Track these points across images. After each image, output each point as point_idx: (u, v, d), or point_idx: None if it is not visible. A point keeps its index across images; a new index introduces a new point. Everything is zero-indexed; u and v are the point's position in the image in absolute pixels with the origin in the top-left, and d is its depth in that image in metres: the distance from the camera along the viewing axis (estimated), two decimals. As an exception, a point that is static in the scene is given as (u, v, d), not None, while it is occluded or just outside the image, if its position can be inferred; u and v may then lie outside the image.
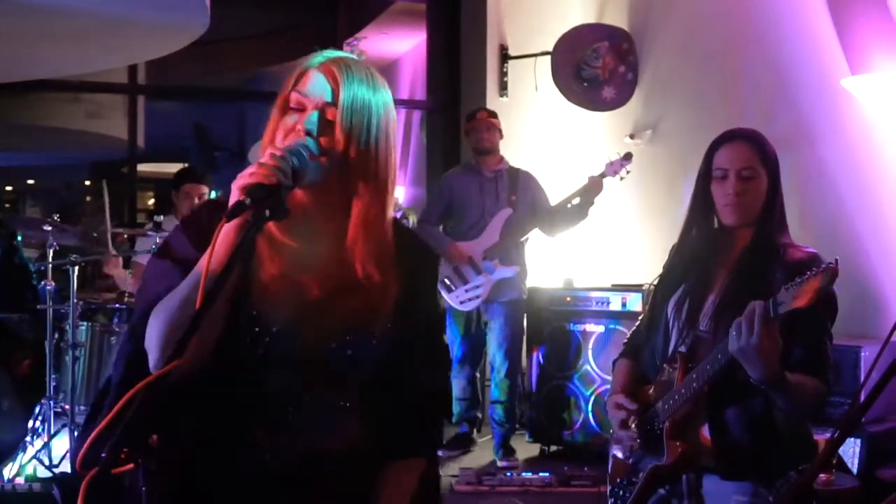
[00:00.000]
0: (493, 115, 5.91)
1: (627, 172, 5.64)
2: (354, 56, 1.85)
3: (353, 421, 1.84)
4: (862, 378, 4.07)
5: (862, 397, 1.92)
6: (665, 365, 2.66)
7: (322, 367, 1.79)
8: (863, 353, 4.15)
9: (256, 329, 1.77)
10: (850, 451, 4.04)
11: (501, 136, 5.87)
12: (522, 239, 5.79)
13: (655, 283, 2.87)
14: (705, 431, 2.56)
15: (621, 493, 2.79)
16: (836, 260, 2.18)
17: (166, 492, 1.72)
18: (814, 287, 2.17)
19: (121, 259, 5.51)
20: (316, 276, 1.80)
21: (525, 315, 5.91)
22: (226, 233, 1.64)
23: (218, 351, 1.74)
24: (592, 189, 5.60)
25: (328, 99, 1.75)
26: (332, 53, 1.81)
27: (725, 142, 2.65)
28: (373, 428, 1.86)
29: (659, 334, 2.73)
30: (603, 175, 5.61)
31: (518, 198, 5.74)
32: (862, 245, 4.83)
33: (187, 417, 1.77)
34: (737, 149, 2.62)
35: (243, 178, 1.62)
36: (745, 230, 2.64)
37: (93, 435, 1.45)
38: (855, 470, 4.01)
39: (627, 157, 5.63)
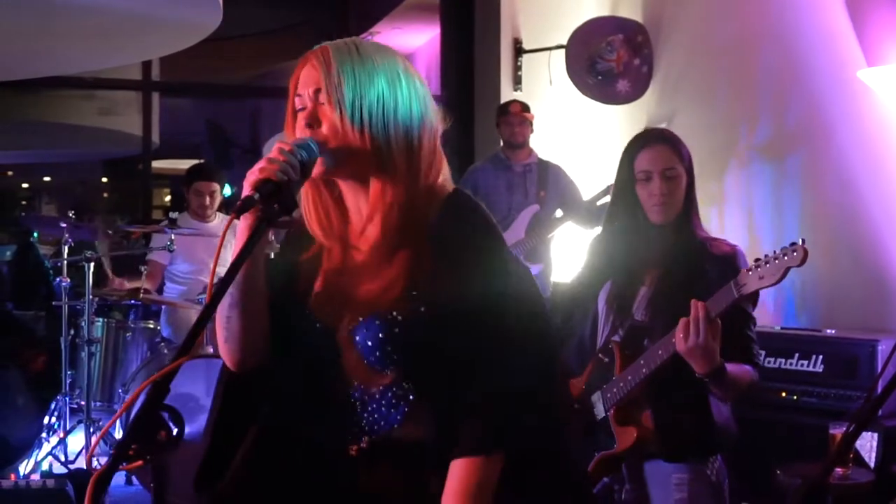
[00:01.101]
0: (527, 108, 5.84)
1: None
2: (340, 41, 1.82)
3: (416, 414, 1.77)
4: (878, 371, 4.04)
5: (878, 390, 1.92)
6: (600, 355, 2.79)
7: (362, 353, 1.77)
8: (879, 347, 4.11)
9: (304, 325, 1.81)
10: (867, 445, 4.01)
11: (532, 131, 5.83)
12: (549, 236, 5.71)
13: (575, 279, 3.02)
14: (647, 418, 2.70)
15: None
16: (803, 240, 2.40)
17: (225, 486, 1.77)
18: (786, 266, 2.40)
19: (124, 280, 5.55)
20: (355, 264, 1.82)
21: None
22: (239, 229, 1.67)
23: (282, 348, 1.79)
24: None
25: (315, 88, 1.75)
26: (318, 45, 1.80)
27: (645, 145, 2.79)
28: (443, 418, 1.74)
29: (587, 326, 2.87)
30: None
31: (547, 194, 5.67)
32: (879, 238, 4.79)
33: (258, 415, 1.82)
34: (658, 151, 2.77)
35: (252, 174, 1.63)
36: (666, 225, 2.78)
37: (98, 436, 1.46)
38: (872, 464, 3.99)
39: None
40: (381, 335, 1.75)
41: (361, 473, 1.80)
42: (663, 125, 6.46)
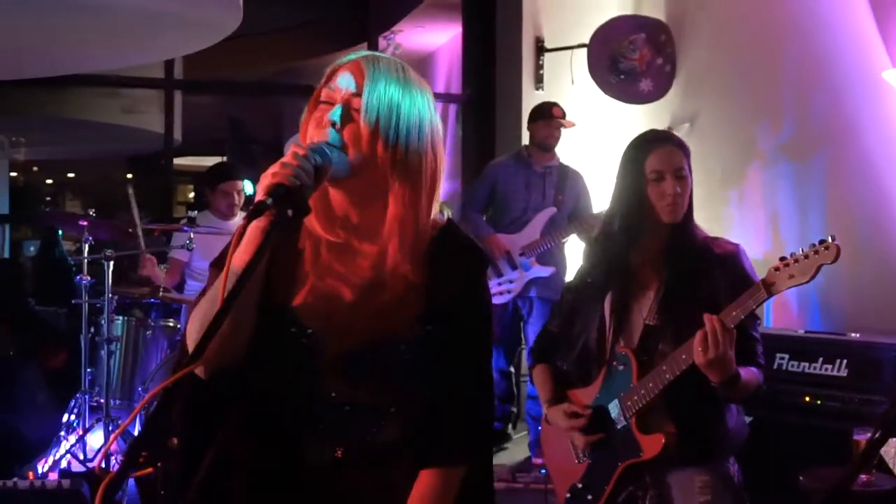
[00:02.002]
0: (565, 114, 5.81)
1: None
2: (388, 54, 1.83)
3: (392, 425, 1.82)
4: (904, 377, 3.98)
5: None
6: (614, 363, 2.79)
7: (356, 368, 1.78)
8: (906, 351, 4.06)
9: (293, 330, 1.79)
10: (891, 451, 3.96)
11: (560, 136, 5.80)
12: (563, 240, 5.69)
13: (575, 283, 3.00)
14: (669, 423, 2.72)
15: (580, 497, 2.85)
16: (834, 237, 2.41)
17: (205, 490, 1.73)
18: (818, 263, 2.40)
19: (155, 259, 5.53)
20: (351, 275, 1.80)
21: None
22: (250, 233, 1.64)
23: (259, 352, 1.77)
24: None
25: (354, 91, 1.74)
26: (363, 52, 1.81)
27: (655, 146, 2.80)
28: (413, 432, 1.82)
29: (592, 332, 2.85)
30: None
31: (564, 198, 5.66)
32: (904, 240, 4.74)
33: (228, 418, 1.79)
34: (669, 151, 2.79)
35: (266, 178, 1.62)
36: (674, 225, 2.78)
37: (111, 438, 1.45)
38: (896, 471, 3.94)
39: None
40: (386, 353, 1.78)
41: (334, 481, 1.81)
42: (686, 125, 6.43)
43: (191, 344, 1.74)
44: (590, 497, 2.82)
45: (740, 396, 2.66)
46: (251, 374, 1.78)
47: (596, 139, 6.86)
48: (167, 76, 8.11)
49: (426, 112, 1.79)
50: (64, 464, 4.99)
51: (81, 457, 5.07)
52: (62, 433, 5.26)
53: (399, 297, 1.77)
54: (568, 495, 2.90)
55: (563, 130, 5.73)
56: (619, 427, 2.75)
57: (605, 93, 6.66)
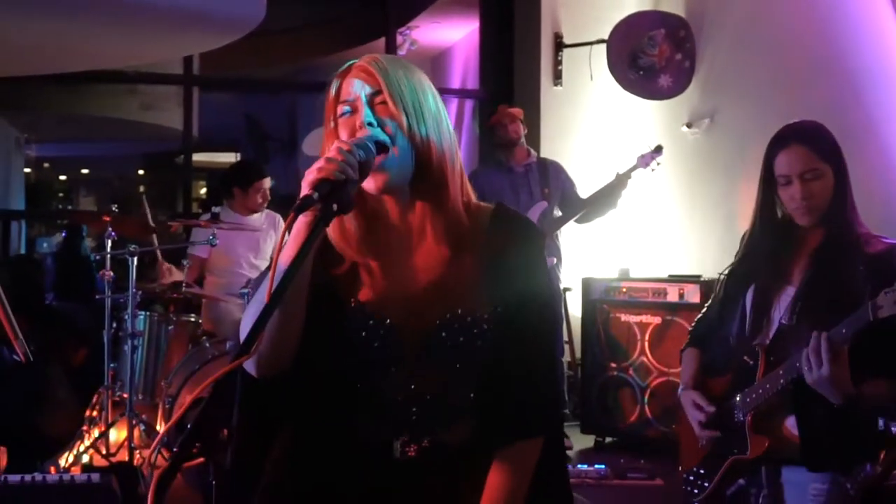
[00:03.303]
0: (512, 106, 5.93)
1: (658, 164, 5.69)
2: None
3: (470, 418, 1.81)
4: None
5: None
6: (745, 357, 2.70)
7: (437, 354, 1.78)
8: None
9: (371, 322, 1.79)
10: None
11: (525, 128, 5.91)
12: (557, 231, 5.79)
13: (727, 272, 2.88)
14: (789, 424, 2.61)
15: (697, 480, 2.82)
16: None
17: (274, 490, 1.77)
18: None
19: (172, 267, 5.57)
20: (413, 268, 1.82)
21: (580, 304, 5.90)
22: (297, 228, 1.66)
23: (331, 349, 1.78)
24: (620, 185, 5.64)
25: (373, 90, 1.76)
26: (354, 60, 1.82)
27: (782, 147, 2.66)
28: (487, 418, 1.81)
29: (734, 324, 2.76)
30: (634, 167, 5.65)
31: (550, 190, 5.77)
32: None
33: (297, 415, 1.81)
34: (794, 153, 2.63)
35: (311, 174, 1.63)
36: (813, 225, 2.66)
37: (165, 428, 1.46)
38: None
39: (658, 149, 5.68)
40: (468, 335, 1.77)
41: (406, 476, 1.80)
42: (706, 120, 6.43)
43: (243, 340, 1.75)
44: (703, 483, 2.81)
45: (870, 410, 2.55)
46: (315, 373, 1.79)
47: (615, 135, 6.86)
48: (186, 72, 8.12)
49: (436, 97, 1.82)
50: (86, 458, 5.01)
51: (104, 451, 5.10)
52: (84, 427, 5.29)
53: (467, 278, 1.78)
54: (686, 476, 2.89)
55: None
56: (737, 421, 2.70)
57: (625, 88, 6.65)
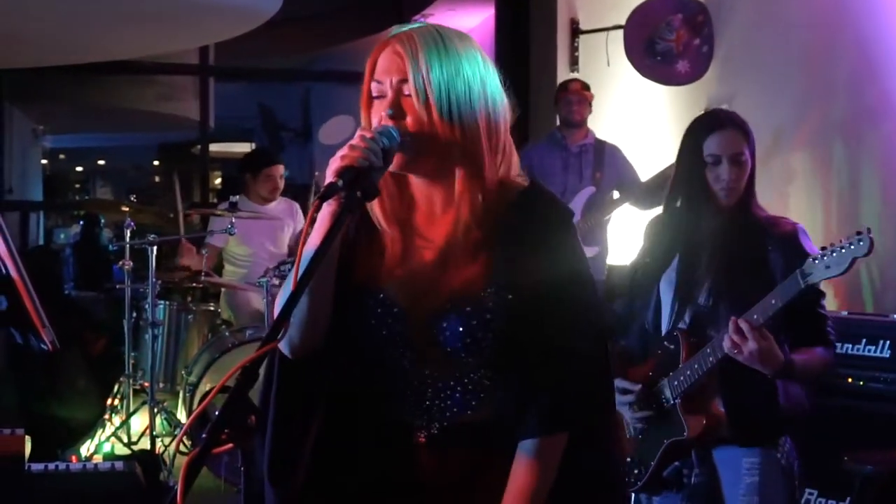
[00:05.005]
0: (587, 87, 5.79)
1: None
2: (421, 25, 1.81)
3: (487, 403, 1.79)
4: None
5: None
6: (666, 342, 2.80)
7: (448, 338, 1.76)
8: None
9: (379, 310, 1.79)
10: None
11: (591, 111, 5.77)
12: (605, 218, 5.64)
13: (636, 262, 3.03)
14: (717, 404, 2.72)
15: (633, 469, 2.90)
16: (869, 229, 2.41)
17: (298, 477, 1.78)
18: (852, 256, 2.39)
19: (194, 248, 5.58)
20: (429, 250, 1.81)
21: (606, 294, 5.87)
22: (322, 216, 1.66)
23: (351, 334, 1.79)
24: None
25: (400, 77, 1.73)
26: (399, 29, 1.78)
27: (717, 128, 2.77)
28: (511, 402, 1.77)
29: (649, 311, 2.88)
30: None
31: (603, 175, 5.60)
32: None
33: (328, 395, 1.81)
34: (730, 135, 2.76)
35: (335, 162, 1.63)
36: (730, 208, 2.78)
37: (193, 415, 1.47)
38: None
39: None
40: (473, 322, 1.74)
41: (428, 459, 1.80)
42: (724, 106, 6.36)
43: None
44: (637, 471, 2.86)
45: (801, 381, 2.66)
46: (341, 356, 1.80)
47: (632, 121, 6.83)
48: (202, 62, 8.13)
49: (474, 72, 1.76)
50: (108, 447, 5.05)
51: (125, 439, 5.13)
52: (105, 416, 5.32)
53: (476, 262, 1.76)
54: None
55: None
56: (667, 406, 2.78)
57: (642, 74, 6.61)
